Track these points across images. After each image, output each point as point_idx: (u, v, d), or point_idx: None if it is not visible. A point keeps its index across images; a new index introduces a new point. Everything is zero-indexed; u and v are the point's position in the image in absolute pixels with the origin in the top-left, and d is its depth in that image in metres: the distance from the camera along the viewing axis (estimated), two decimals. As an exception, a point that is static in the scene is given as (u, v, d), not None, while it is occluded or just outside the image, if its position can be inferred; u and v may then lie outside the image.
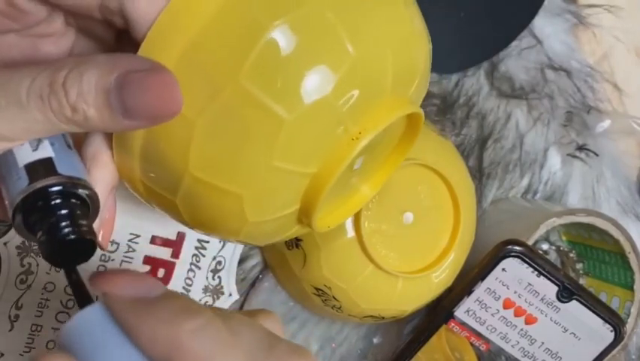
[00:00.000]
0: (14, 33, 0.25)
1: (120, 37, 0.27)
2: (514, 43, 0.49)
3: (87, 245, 0.23)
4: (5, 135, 0.22)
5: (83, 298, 0.22)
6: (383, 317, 0.43)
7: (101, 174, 0.26)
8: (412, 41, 0.26)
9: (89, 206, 0.24)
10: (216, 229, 0.27)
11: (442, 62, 0.48)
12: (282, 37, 0.22)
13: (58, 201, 0.23)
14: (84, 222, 0.23)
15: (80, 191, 0.24)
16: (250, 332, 0.21)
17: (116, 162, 0.26)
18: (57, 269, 0.42)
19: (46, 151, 0.24)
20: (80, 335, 0.20)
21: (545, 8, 0.49)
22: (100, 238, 0.26)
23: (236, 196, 0.24)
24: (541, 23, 0.50)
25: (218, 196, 0.24)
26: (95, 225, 0.25)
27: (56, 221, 0.23)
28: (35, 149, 0.24)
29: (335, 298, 0.41)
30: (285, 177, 0.24)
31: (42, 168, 0.23)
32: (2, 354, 0.41)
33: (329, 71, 0.23)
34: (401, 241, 0.41)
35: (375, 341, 0.49)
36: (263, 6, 0.22)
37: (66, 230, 0.23)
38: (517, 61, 0.50)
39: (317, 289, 0.42)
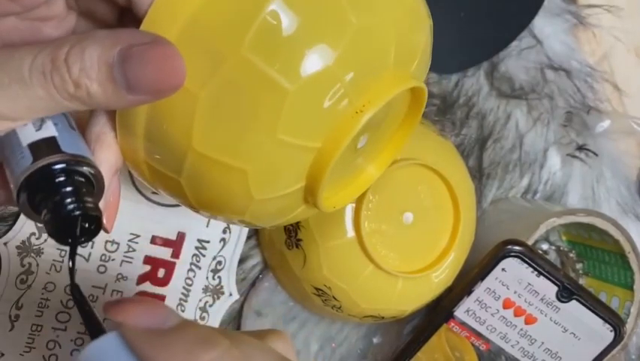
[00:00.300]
0: (14, 16, 0.25)
1: (122, 19, 0.27)
2: (514, 44, 0.49)
3: (93, 222, 0.23)
4: (8, 114, 0.22)
5: (94, 327, 0.22)
6: (383, 317, 0.43)
7: (106, 155, 0.25)
8: (414, 16, 0.26)
9: (94, 185, 0.24)
10: (222, 208, 0.27)
11: (442, 62, 0.48)
12: (283, 8, 0.22)
13: (62, 178, 0.23)
14: (89, 198, 0.23)
15: (85, 169, 0.23)
16: (263, 358, 0.20)
17: (119, 144, 0.26)
18: (57, 269, 0.42)
19: (49, 131, 0.24)
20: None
21: (545, 8, 0.49)
22: (104, 220, 0.26)
23: (241, 172, 0.24)
24: (541, 23, 0.50)
25: (223, 172, 0.24)
26: (99, 204, 0.25)
27: (61, 199, 0.23)
28: (39, 129, 0.24)
29: (335, 298, 0.42)
30: (290, 151, 0.24)
31: (46, 146, 0.23)
32: (2, 354, 0.41)
33: (331, 41, 0.23)
34: (401, 241, 0.41)
35: (375, 340, 0.49)
36: None
37: (71, 206, 0.23)
38: (517, 61, 0.50)
39: (317, 289, 0.42)
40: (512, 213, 0.49)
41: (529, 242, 0.43)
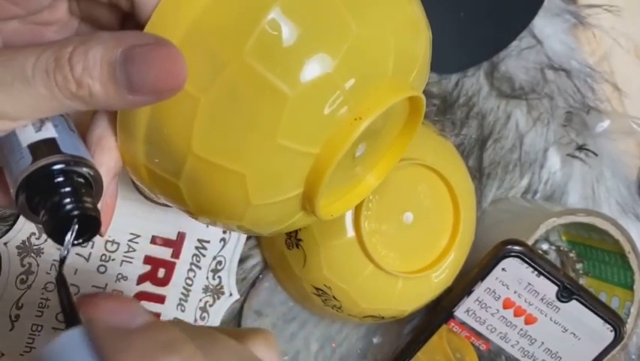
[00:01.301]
0: (17, 20, 0.25)
1: (124, 25, 0.27)
2: (514, 44, 0.49)
3: (91, 222, 0.23)
4: (9, 113, 0.22)
5: (70, 319, 0.21)
6: (383, 317, 0.43)
7: (105, 159, 0.26)
8: (413, 27, 0.26)
9: (93, 186, 0.24)
10: (219, 213, 0.27)
11: (442, 62, 0.48)
12: (285, 15, 0.22)
13: (61, 179, 0.23)
14: (88, 199, 0.23)
15: (84, 170, 0.24)
16: None
17: (119, 147, 0.26)
18: (57, 269, 0.42)
19: (49, 132, 0.24)
20: (57, 358, 0.19)
21: (545, 8, 0.49)
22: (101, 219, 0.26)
23: (240, 176, 0.24)
24: (541, 23, 0.50)
25: (222, 176, 0.24)
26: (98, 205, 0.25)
27: (60, 199, 0.23)
28: (38, 130, 0.24)
29: (335, 298, 0.42)
30: (289, 156, 0.24)
31: (45, 147, 0.23)
32: (2, 354, 0.41)
33: (332, 48, 0.23)
34: (401, 241, 0.41)
35: (375, 340, 0.49)
36: None
37: (69, 206, 0.23)
38: (517, 61, 0.50)
39: (317, 289, 0.42)
40: (512, 213, 0.49)
41: (529, 242, 0.43)
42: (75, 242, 0.23)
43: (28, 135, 0.23)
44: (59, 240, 0.23)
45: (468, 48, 0.49)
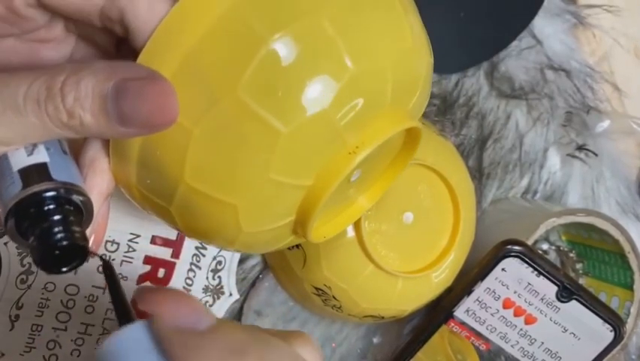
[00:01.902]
0: (14, 37, 0.25)
1: (120, 45, 0.27)
2: (514, 44, 0.49)
3: (79, 251, 0.23)
4: (1, 139, 0.22)
5: (124, 313, 0.22)
6: (383, 317, 0.43)
7: (97, 181, 0.25)
8: (412, 54, 0.25)
9: (83, 212, 0.24)
10: (211, 237, 0.27)
11: (442, 62, 0.48)
12: (280, 50, 0.22)
13: (51, 206, 0.23)
14: (77, 228, 0.23)
15: (74, 197, 0.23)
16: None
17: (112, 167, 0.26)
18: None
19: (41, 156, 0.23)
20: (121, 353, 0.19)
21: (545, 8, 0.49)
22: (90, 244, 0.26)
23: (232, 207, 0.24)
24: (541, 23, 0.50)
25: (214, 206, 0.24)
26: (87, 231, 0.25)
27: (49, 227, 0.22)
28: (30, 153, 0.23)
29: (335, 298, 0.42)
30: (281, 189, 0.24)
31: (36, 173, 0.23)
32: (3, 354, 0.41)
33: (327, 85, 0.23)
34: (401, 241, 0.41)
35: (375, 340, 0.49)
36: (262, 18, 0.22)
37: (59, 236, 0.22)
38: (516, 61, 0.50)
39: (317, 288, 0.42)
40: (512, 213, 0.49)
41: (529, 242, 0.43)
42: (63, 270, 0.23)
43: (20, 159, 0.23)
44: (47, 268, 0.23)
45: (468, 48, 0.49)
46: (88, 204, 0.24)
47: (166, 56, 0.22)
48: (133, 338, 0.19)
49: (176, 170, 0.24)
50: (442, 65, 0.48)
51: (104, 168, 0.26)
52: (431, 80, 0.28)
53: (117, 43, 0.27)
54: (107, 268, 0.23)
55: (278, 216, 0.26)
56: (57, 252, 0.22)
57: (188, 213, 0.25)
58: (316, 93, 0.23)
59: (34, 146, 0.24)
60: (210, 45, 0.22)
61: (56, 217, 0.23)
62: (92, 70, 0.22)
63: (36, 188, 0.23)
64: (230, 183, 0.24)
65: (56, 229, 0.22)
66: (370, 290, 0.41)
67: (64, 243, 0.22)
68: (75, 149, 0.26)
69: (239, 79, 0.22)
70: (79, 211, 0.24)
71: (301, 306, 0.47)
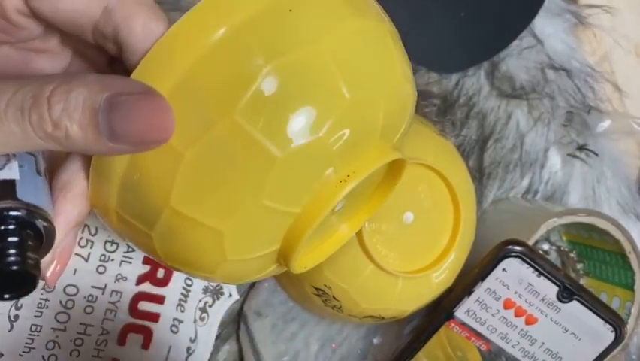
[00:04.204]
0: (8, 45, 0.25)
1: (113, 64, 0.26)
2: (514, 43, 0.49)
3: (28, 280, 0.22)
4: None
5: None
6: (383, 317, 0.43)
7: (67, 208, 0.24)
8: (402, 87, 0.26)
9: (43, 239, 0.23)
10: (191, 265, 0.26)
11: (443, 61, 0.48)
12: (280, 77, 0.22)
13: (10, 227, 0.22)
14: (32, 255, 0.22)
15: (37, 222, 0.22)
16: None
17: (90, 188, 0.25)
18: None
19: (11, 173, 0.23)
20: None
21: (546, 8, 0.49)
22: (49, 274, 0.25)
23: (218, 233, 0.24)
24: (542, 23, 0.50)
25: (199, 232, 0.24)
26: (47, 259, 0.24)
27: (3, 248, 0.21)
28: (1, 167, 0.23)
29: (335, 298, 0.41)
30: (270, 215, 0.24)
31: (2, 189, 0.22)
32: (2, 355, 0.41)
33: (324, 112, 0.23)
34: (401, 240, 0.41)
35: (375, 341, 0.49)
36: (263, 44, 0.22)
37: (11, 259, 0.21)
38: (517, 61, 0.50)
39: (317, 289, 0.42)
40: (513, 213, 0.49)
41: (530, 242, 0.43)
42: (5, 296, 0.22)
43: None
44: None
45: (468, 48, 0.49)
46: (50, 231, 0.23)
47: (161, 76, 0.22)
48: None
49: (163, 193, 0.23)
50: (443, 65, 0.48)
51: (77, 194, 0.24)
52: (412, 116, 0.28)
53: (110, 63, 0.26)
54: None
55: (263, 244, 0.25)
56: (4, 275, 0.21)
57: (171, 240, 0.25)
58: (313, 120, 0.23)
59: (7, 160, 0.23)
60: (208, 68, 0.22)
61: (13, 239, 0.22)
62: (85, 81, 0.21)
63: None
64: (219, 208, 0.23)
65: (10, 252, 0.21)
66: (370, 290, 0.41)
67: (15, 268, 0.21)
68: (54, 168, 0.25)
69: (236, 103, 0.22)
70: (39, 237, 0.23)
71: (301, 307, 0.47)
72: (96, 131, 0.21)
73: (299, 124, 0.22)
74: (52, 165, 0.25)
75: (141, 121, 0.21)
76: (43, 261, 0.24)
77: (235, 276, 0.27)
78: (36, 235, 0.23)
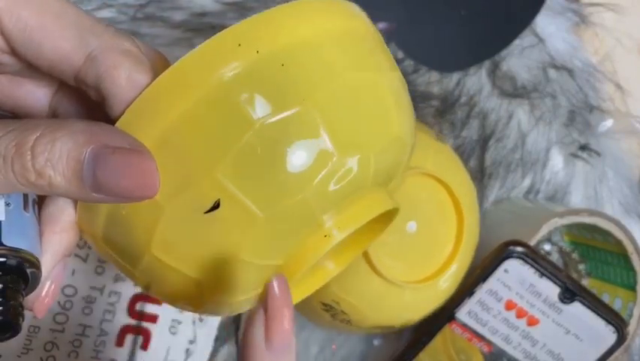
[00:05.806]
0: None
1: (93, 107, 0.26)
2: (516, 42, 0.49)
3: (10, 327, 0.22)
4: None
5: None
6: (393, 326, 0.43)
7: (54, 241, 0.24)
8: (397, 143, 0.25)
9: (28, 281, 0.23)
10: (173, 302, 0.26)
11: (443, 61, 0.48)
12: (265, 136, 0.21)
13: None
14: (15, 302, 0.22)
15: (22, 265, 0.22)
16: None
17: (78, 215, 0.24)
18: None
19: None
20: None
21: (547, 7, 0.49)
22: (37, 306, 0.24)
23: (196, 282, 0.24)
24: (544, 22, 0.49)
25: (178, 278, 0.24)
26: (35, 292, 0.24)
27: None
28: None
29: (344, 313, 0.41)
30: (251, 269, 0.23)
31: None
32: (0, 356, 0.41)
33: (310, 172, 0.22)
34: (406, 250, 0.40)
35: (375, 343, 0.49)
36: (250, 101, 0.21)
37: None
38: (519, 60, 0.50)
39: (325, 304, 0.41)
40: (514, 213, 0.48)
41: (532, 243, 0.43)
42: None
43: None
44: None
45: (469, 47, 0.48)
46: (36, 275, 0.23)
47: (146, 128, 0.21)
48: None
49: (144, 240, 0.23)
50: (444, 64, 0.48)
51: (65, 225, 0.24)
52: (409, 161, 0.27)
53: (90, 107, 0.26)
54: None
55: (244, 291, 0.25)
56: None
57: (152, 280, 0.25)
58: (297, 180, 0.22)
59: None
60: (192, 123, 0.21)
61: None
62: (70, 130, 0.20)
63: None
64: (198, 261, 0.23)
65: None
66: (378, 302, 0.41)
67: None
68: (43, 197, 0.24)
69: (219, 161, 0.21)
70: (23, 279, 0.22)
71: (309, 321, 0.47)
72: (80, 183, 0.20)
73: (283, 184, 0.22)
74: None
75: (127, 178, 0.20)
76: (32, 294, 0.23)
77: (219, 312, 0.27)
78: (20, 277, 0.22)
